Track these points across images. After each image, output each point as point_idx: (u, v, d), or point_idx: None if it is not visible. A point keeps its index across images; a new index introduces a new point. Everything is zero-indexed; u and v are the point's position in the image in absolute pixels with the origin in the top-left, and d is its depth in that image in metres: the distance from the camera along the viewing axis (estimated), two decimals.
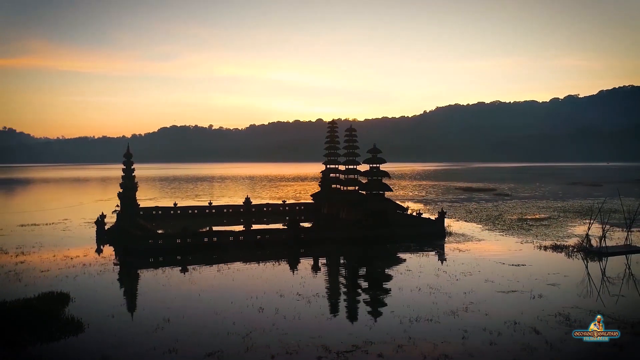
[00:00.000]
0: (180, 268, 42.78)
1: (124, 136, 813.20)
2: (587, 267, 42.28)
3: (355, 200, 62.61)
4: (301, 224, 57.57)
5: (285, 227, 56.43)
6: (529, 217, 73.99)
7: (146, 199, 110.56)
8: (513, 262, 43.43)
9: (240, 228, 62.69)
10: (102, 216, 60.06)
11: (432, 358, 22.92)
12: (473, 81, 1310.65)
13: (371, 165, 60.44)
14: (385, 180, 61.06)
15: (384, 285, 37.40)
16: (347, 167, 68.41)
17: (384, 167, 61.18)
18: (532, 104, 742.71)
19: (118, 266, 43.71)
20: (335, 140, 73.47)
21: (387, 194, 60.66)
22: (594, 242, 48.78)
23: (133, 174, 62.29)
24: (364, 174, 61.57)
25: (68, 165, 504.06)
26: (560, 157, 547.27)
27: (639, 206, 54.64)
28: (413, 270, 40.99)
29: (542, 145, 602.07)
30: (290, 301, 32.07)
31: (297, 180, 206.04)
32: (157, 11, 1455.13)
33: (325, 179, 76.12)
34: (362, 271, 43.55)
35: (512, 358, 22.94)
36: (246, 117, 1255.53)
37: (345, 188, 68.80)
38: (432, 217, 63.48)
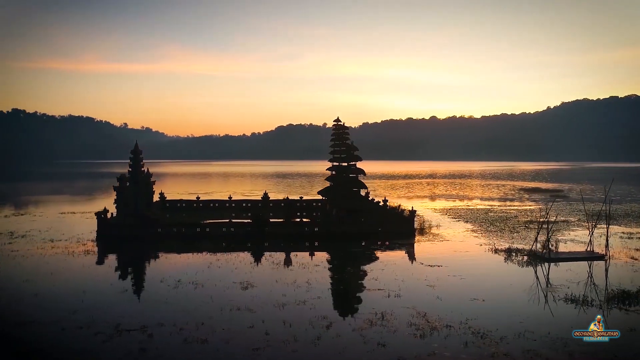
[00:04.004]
0: (135, 255, 47.47)
1: (244, 134, 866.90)
2: (536, 272, 39.96)
3: (337, 198, 63.57)
4: (304, 219, 59.93)
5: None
6: (541, 220, 68.74)
7: (241, 191, 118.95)
8: (434, 263, 41.99)
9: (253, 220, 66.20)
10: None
11: (192, 341, 24.57)
12: (604, 74, 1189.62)
13: (349, 163, 61.12)
14: (362, 178, 61.38)
15: (271, 279, 37.27)
16: (339, 164, 69.17)
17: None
18: None
19: (86, 251, 47.22)
20: (339, 138, 74.37)
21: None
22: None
23: (142, 169, 68.86)
24: (343, 170, 62.34)
25: (193, 162, 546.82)
26: None
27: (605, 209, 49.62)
28: (320, 266, 41.50)
29: None
30: (166, 287, 34.44)
31: (406, 179, 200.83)
32: (280, 14, 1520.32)
33: (331, 176, 77.29)
34: (282, 266, 42.88)
35: (264, 346, 23.90)
36: (359, 115, 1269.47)
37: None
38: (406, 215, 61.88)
